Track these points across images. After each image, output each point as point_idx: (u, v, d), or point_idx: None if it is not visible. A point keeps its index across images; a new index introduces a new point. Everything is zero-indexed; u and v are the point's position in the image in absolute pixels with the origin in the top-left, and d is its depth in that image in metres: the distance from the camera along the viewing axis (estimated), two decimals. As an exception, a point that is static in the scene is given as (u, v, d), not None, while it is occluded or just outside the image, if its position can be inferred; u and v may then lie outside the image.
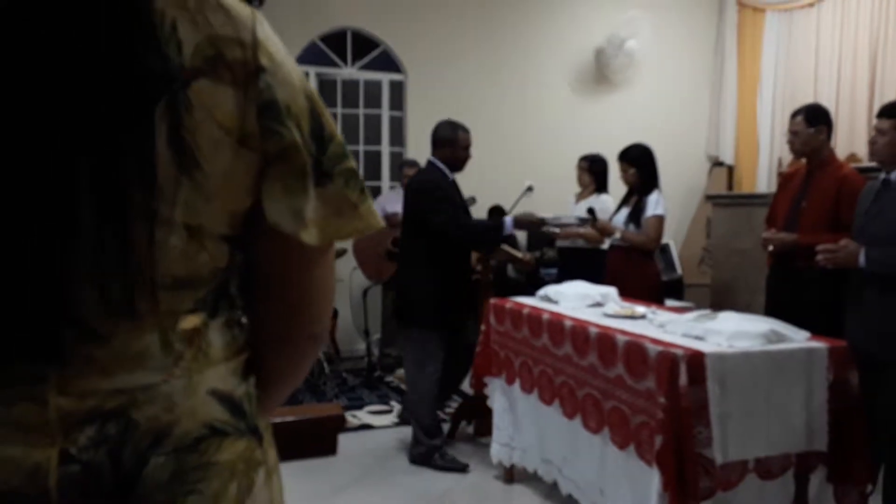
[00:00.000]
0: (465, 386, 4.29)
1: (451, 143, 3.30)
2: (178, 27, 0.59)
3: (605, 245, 4.01)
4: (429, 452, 3.23)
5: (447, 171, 3.30)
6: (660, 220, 3.64)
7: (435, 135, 3.36)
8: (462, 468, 3.20)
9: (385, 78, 5.79)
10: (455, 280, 3.27)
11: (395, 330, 5.11)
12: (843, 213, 2.90)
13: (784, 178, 3.48)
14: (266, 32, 0.64)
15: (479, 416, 3.58)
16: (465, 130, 3.37)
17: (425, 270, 3.20)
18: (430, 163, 3.35)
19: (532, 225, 3.43)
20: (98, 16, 0.55)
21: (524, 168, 5.23)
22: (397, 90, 5.83)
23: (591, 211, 3.89)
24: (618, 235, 3.71)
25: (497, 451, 3.05)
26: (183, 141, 0.58)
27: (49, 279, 0.57)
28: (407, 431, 3.43)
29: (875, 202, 2.55)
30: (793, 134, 3.18)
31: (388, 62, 5.78)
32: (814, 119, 3.12)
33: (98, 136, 0.56)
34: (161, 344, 0.62)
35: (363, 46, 5.71)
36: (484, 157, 5.85)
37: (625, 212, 3.77)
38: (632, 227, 3.66)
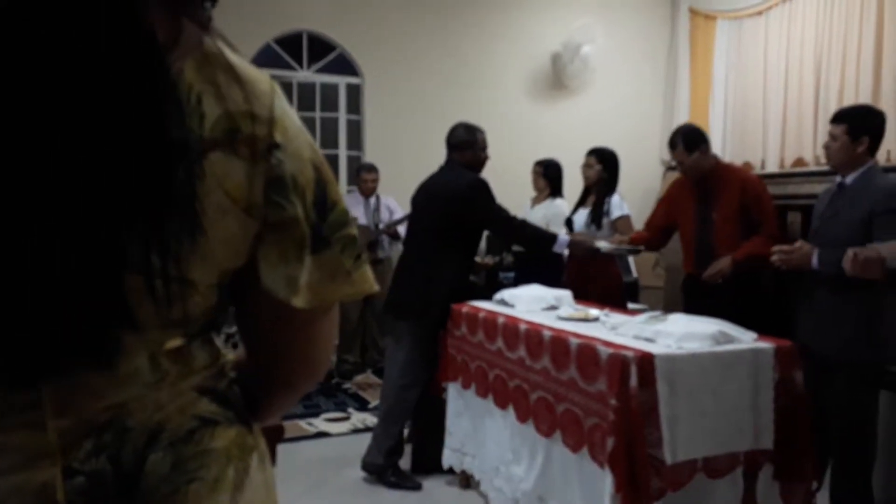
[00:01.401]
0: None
1: (472, 145, 3.31)
2: (203, 100, 0.62)
3: (558, 248, 4.04)
4: (384, 467, 3.15)
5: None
6: (630, 219, 3.75)
7: (452, 138, 3.35)
8: (415, 486, 3.12)
9: (342, 81, 5.75)
10: (469, 282, 3.36)
11: (353, 336, 5.08)
12: (753, 213, 3.10)
13: (672, 187, 3.58)
14: (283, 107, 0.67)
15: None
16: (482, 132, 3.38)
17: (451, 270, 3.16)
18: (455, 164, 3.31)
19: (584, 251, 3.44)
20: (130, 88, 0.57)
21: (483, 171, 5.23)
22: (354, 93, 5.79)
23: (569, 222, 3.93)
24: (602, 246, 3.60)
25: (448, 456, 3.05)
26: (192, 207, 0.60)
27: (44, 318, 0.58)
28: (365, 439, 3.35)
29: (830, 205, 2.62)
30: (679, 163, 3.28)
31: (344, 65, 5.74)
32: (692, 144, 3.23)
33: (107, 196, 0.57)
34: (150, 365, 0.64)
35: (319, 49, 5.66)
36: (441, 159, 5.86)
37: (583, 213, 3.81)
38: (593, 228, 3.71)
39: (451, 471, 3.08)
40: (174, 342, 0.65)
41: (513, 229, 3.34)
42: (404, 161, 5.32)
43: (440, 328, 3.12)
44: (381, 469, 3.14)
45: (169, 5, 0.62)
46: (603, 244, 3.42)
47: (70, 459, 0.61)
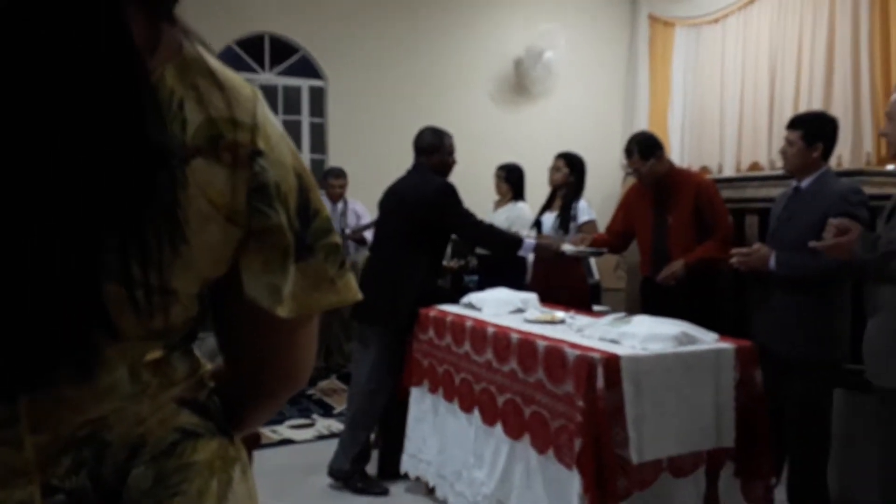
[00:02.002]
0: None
1: (439, 149, 3.32)
2: (185, 106, 0.61)
3: (523, 252, 4.07)
4: (350, 473, 3.12)
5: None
6: (595, 224, 3.83)
7: (420, 142, 3.35)
8: (383, 492, 3.10)
9: (305, 84, 5.70)
10: (436, 286, 3.37)
11: (319, 341, 5.02)
12: (707, 217, 3.17)
13: (630, 192, 3.66)
14: (265, 114, 0.66)
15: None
16: (450, 136, 3.39)
17: (419, 274, 3.15)
18: (423, 168, 3.31)
19: (550, 255, 3.45)
20: (109, 94, 0.56)
21: (449, 176, 5.25)
22: (318, 96, 5.75)
23: (538, 224, 3.95)
24: (566, 249, 3.66)
25: (405, 461, 3.05)
26: (174, 215, 0.59)
27: (22, 331, 0.56)
28: (331, 445, 3.32)
29: (786, 209, 2.69)
30: (635, 171, 3.36)
31: (307, 68, 5.70)
32: (647, 152, 3.31)
33: (86, 203, 0.55)
34: (130, 377, 0.63)
35: (281, 51, 5.61)
36: (406, 163, 5.85)
37: (550, 217, 3.85)
38: (561, 232, 3.75)
39: (418, 477, 3.08)
40: (154, 353, 0.64)
41: (480, 234, 3.36)
42: (368, 165, 5.30)
43: (408, 333, 3.11)
44: (347, 475, 3.11)
45: (147, 9, 0.61)
46: (567, 247, 3.46)
47: (49, 476, 0.59)
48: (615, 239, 3.60)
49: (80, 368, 0.59)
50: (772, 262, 2.55)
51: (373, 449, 3.25)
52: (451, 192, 3.22)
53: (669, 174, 3.33)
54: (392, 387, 3.15)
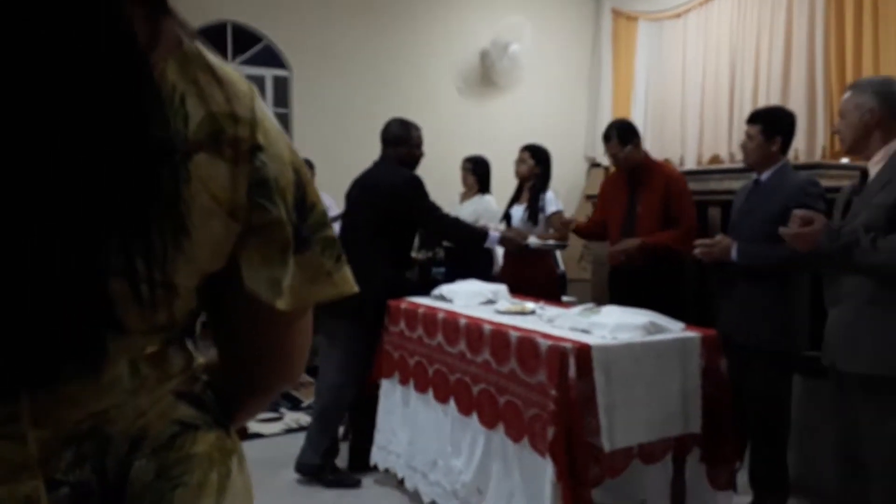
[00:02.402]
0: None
1: (406, 141, 3.29)
2: (187, 101, 0.61)
3: (489, 244, 4.10)
4: (320, 467, 3.11)
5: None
6: (563, 215, 3.86)
7: (387, 134, 3.32)
8: (354, 484, 3.10)
9: (268, 74, 5.62)
10: (404, 279, 3.35)
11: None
12: (673, 209, 3.24)
13: (608, 179, 3.73)
14: (263, 109, 0.67)
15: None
16: (417, 128, 3.37)
17: (386, 267, 3.15)
18: (389, 160, 3.29)
19: (516, 247, 3.47)
20: (113, 90, 0.55)
21: (416, 168, 5.24)
22: (282, 86, 5.67)
23: (507, 217, 3.97)
24: (532, 241, 3.71)
25: (375, 453, 3.05)
26: (178, 210, 0.60)
27: (29, 326, 0.56)
28: (299, 439, 3.30)
29: (747, 201, 2.77)
30: (612, 156, 3.42)
31: (271, 57, 5.61)
32: (625, 138, 3.37)
33: (90, 200, 0.55)
34: (130, 371, 0.63)
35: (244, 41, 5.51)
36: (372, 155, 5.82)
37: (519, 210, 3.88)
38: (530, 224, 3.79)
39: (388, 469, 3.08)
40: (153, 347, 0.64)
41: (446, 226, 3.39)
42: (333, 156, 5.26)
43: (376, 325, 3.11)
44: (317, 469, 3.10)
45: (147, 4, 0.61)
46: (532, 240, 3.49)
47: (52, 471, 0.59)
48: (596, 227, 3.66)
49: (85, 364, 0.59)
50: (734, 253, 2.62)
51: (341, 442, 3.25)
52: (418, 184, 3.22)
53: (644, 164, 3.39)
54: (360, 380, 3.14)
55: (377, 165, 3.35)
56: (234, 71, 0.66)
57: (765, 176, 2.74)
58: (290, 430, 3.81)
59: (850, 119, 2.18)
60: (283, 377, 0.78)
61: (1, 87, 0.52)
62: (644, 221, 3.30)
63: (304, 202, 0.69)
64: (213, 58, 0.65)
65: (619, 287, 3.42)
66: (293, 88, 5.64)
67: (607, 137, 3.42)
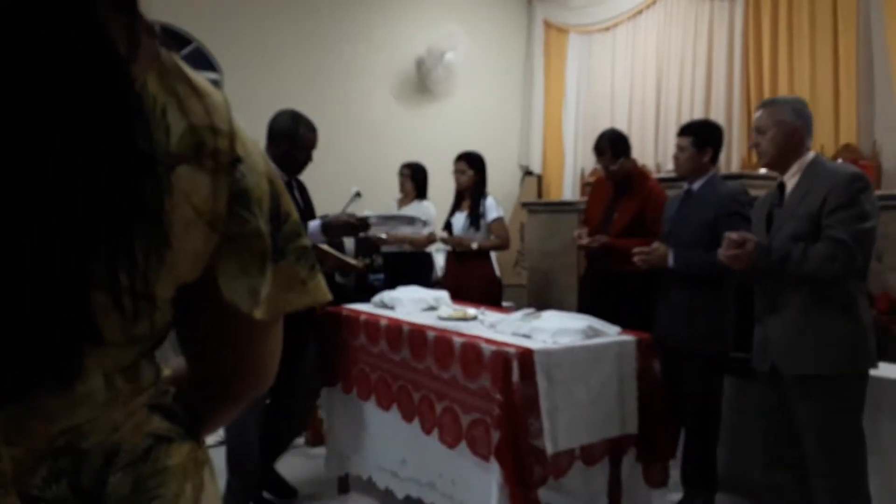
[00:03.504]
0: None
1: (290, 138, 2.84)
2: (168, 113, 0.61)
3: (432, 248, 4.12)
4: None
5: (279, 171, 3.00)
6: (503, 220, 3.90)
7: (272, 126, 2.88)
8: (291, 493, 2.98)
9: (199, 77, 5.48)
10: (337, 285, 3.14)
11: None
12: (647, 224, 3.26)
13: (595, 185, 3.81)
14: (237, 121, 0.67)
15: (310, 428, 3.51)
16: (311, 129, 2.92)
17: None
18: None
19: (350, 227, 2.88)
20: (96, 102, 0.55)
21: (348, 174, 5.21)
22: (213, 90, 5.54)
23: (448, 225, 3.98)
24: (475, 247, 3.78)
25: (330, 461, 3.02)
26: (160, 221, 0.59)
27: (7, 340, 0.54)
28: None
29: (679, 210, 2.88)
30: (604, 168, 3.47)
31: (201, 60, 5.47)
32: (620, 150, 3.41)
33: (77, 214, 0.54)
34: (105, 384, 0.62)
35: (173, 43, 5.34)
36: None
37: (461, 217, 3.91)
38: (472, 230, 3.81)
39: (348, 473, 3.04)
40: (128, 359, 0.64)
41: None
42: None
43: (308, 334, 2.93)
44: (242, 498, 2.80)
45: (126, 16, 0.60)
46: (369, 213, 3.10)
47: (27, 487, 0.58)
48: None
49: (61, 377, 0.57)
50: (671, 260, 2.73)
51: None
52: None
53: (633, 173, 3.41)
54: (300, 388, 3.07)
55: None
56: (208, 83, 0.67)
57: (696, 185, 2.86)
58: (222, 443, 3.70)
59: (772, 135, 2.27)
60: (256, 385, 0.78)
61: None
62: (616, 226, 3.32)
63: (279, 212, 0.70)
64: (189, 70, 0.65)
65: (592, 291, 3.46)
66: (225, 92, 5.50)
67: (600, 150, 3.41)
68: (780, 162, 2.30)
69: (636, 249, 2.81)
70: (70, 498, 0.60)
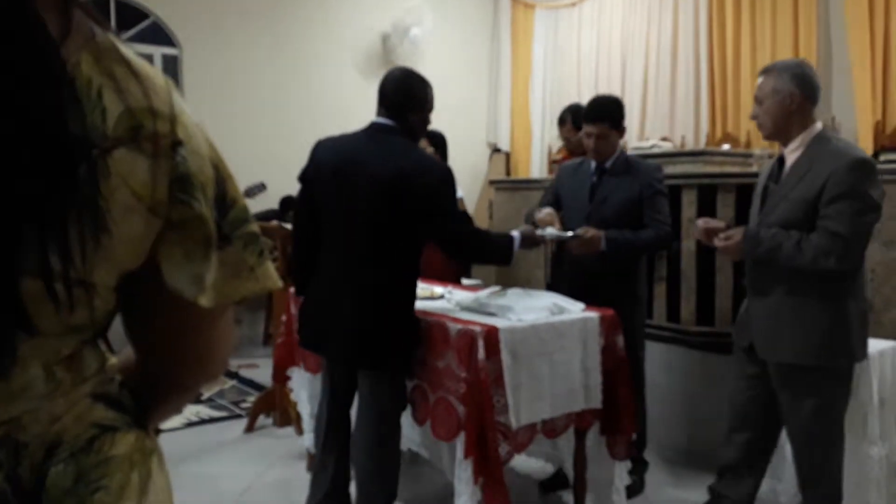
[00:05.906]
0: (266, 378, 4.17)
1: (422, 106, 2.33)
2: (104, 95, 0.59)
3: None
4: None
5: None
6: (463, 201, 3.89)
7: (399, 88, 2.30)
8: None
9: (157, 52, 5.34)
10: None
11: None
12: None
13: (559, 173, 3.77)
14: (180, 104, 0.65)
15: (278, 409, 3.50)
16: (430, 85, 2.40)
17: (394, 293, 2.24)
18: (397, 130, 2.26)
19: (534, 244, 2.60)
20: (25, 84, 0.54)
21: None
22: (171, 65, 5.40)
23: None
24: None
25: (308, 439, 3.01)
26: (96, 206, 0.57)
27: None
28: (201, 431, 3.17)
29: (597, 190, 2.77)
30: (565, 139, 3.42)
31: (159, 34, 5.33)
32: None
33: (4, 198, 0.53)
34: (44, 376, 0.60)
35: (130, 16, 5.21)
36: (269, 138, 5.66)
37: None
38: None
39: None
40: (68, 349, 0.62)
41: (478, 239, 2.39)
42: (227, 137, 5.03)
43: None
44: None
45: None
46: (550, 232, 2.69)
47: None
48: None
49: None
50: (603, 244, 2.64)
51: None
52: (445, 173, 2.24)
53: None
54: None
55: (374, 137, 2.27)
56: (148, 64, 0.65)
57: (608, 163, 2.76)
58: (190, 424, 3.69)
59: (768, 105, 2.11)
60: (205, 374, 0.77)
61: None
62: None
63: (225, 198, 0.69)
64: (127, 50, 0.63)
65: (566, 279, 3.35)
66: (183, 68, 5.39)
67: (562, 121, 3.34)
68: (780, 134, 2.14)
69: (571, 234, 2.64)
70: (8, 490, 0.58)
